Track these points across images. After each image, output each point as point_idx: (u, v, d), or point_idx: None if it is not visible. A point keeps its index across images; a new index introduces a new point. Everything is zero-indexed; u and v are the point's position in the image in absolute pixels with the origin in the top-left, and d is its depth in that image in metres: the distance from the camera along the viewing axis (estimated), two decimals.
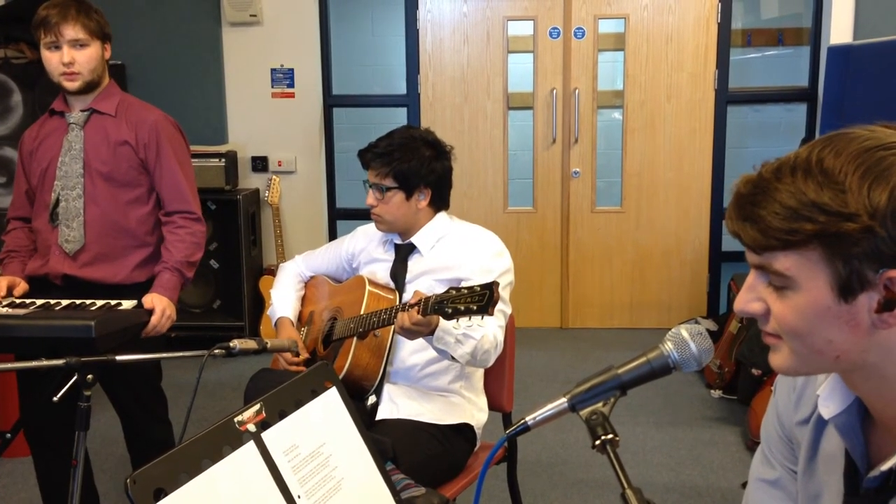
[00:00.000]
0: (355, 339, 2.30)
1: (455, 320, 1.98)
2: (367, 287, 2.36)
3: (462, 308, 1.95)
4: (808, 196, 0.91)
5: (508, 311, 2.35)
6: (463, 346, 2.14)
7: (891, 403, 0.99)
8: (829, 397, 1.06)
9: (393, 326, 2.23)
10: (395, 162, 2.34)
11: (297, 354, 2.44)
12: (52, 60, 2.46)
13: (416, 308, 2.04)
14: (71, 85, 2.47)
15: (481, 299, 1.94)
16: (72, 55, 2.44)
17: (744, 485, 3.31)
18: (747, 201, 0.96)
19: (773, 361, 1.02)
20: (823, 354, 0.97)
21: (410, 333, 2.11)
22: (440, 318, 2.03)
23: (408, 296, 2.37)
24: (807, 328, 0.96)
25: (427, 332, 2.09)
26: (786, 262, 0.94)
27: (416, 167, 2.35)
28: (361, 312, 2.30)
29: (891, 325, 0.92)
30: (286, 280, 2.66)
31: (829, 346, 0.96)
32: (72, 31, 2.42)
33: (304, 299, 2.65)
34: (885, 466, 0.98)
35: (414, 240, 2.43)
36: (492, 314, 1.95)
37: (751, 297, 1.01)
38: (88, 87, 2.51)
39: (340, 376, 2.24)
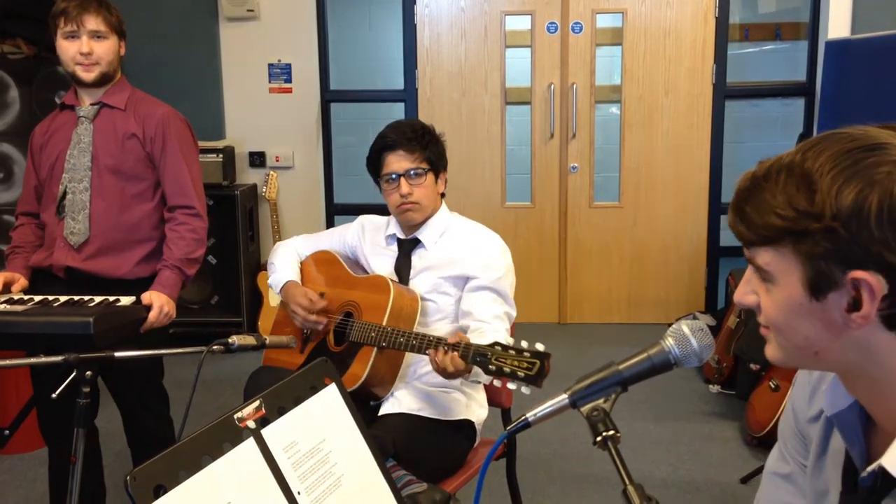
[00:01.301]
0: (375, 349, 2.25)
1: (496, 378, 1.89)
2: (392, 292, 2.29)
3: (507, 370, 1.87)
4: (786, 195, 0.94)
5: (514, 313, 2.35)
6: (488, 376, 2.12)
7: (881, 404, 1.00)
8: (831, 394, 1.07)
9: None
10: (429, 144, 2.40)
11: (294, 348, 2.42)
12: (70, 50, 2.47)
13: (457, 352, 1.98)
14: (87, 75, 2.48)
15: (530, 368, 1.85)
16: (91, 46, 2.46)
17: (742, 480, 3.33)
18: (741, 198, 0.99)
19: (766, 352, 1.06)
20: (802, 350, 1.00)
21: (449, 376, 2.05)
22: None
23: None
24: (784, 322, 0.99)
25: (462, 375, 2.05)
26: (765, 256, 0.98)
27: (442, 150, 2.45)
28: (383, 323, 2.24)
29: (860, 325, 0.93)
30: (285, 254, 2.60)
31: (806, 341, 0.98)
32: (93, 23, 2.45)
33: (311, 276, 2.59)
34: (870, 467, 0.99)
35: (421, 233, 2.43)
36: (541, 387, 1.83)
37: (747, 290, 1.04)
38: (103, 80, 2.52)
39: (357, 384, 2.23)
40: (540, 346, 1.87)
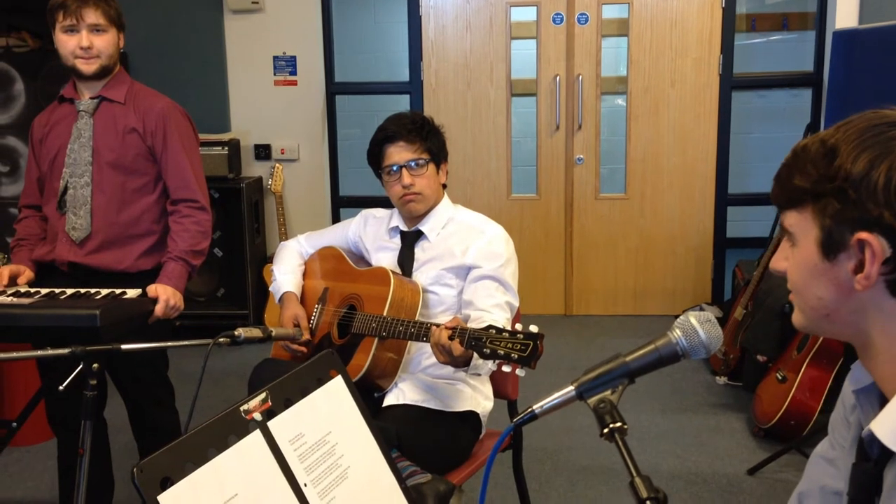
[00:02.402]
0: (376, 339, 2.26)
1: (492, 362, 1.91)
2: (392, 283, 2.30)
3: (501, 352, 1.87)
4: (812, 162, 1.01)
5: (516, 303, 2.34)
6: (488, 365, 2.11)
7: (886, 375, 1.02)
8: (857, 370, 1.11)
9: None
10: (429, 135, 2.40)
11: (300, 340, 2.43)
12: (69, 44, 2.46)
13: (456, 337, 1.97)
14: (87, 68, 2.47)
15: (524, 349, 1.86)
16: (90, 39, 2.45)
17: (749, 471, 3.33)
18: (782, 167, 1.07)
19: (793, 319, 1.12)
20: (816, 311, 1.06)
21: (449, 361, 2.03)
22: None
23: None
24: (801, 283, 1.06)
25: (462, 363, 2.03)
26: (791, 218, 1.05)
27: (443, 141, 2.46)
28: (384, 313, 2.25)
29: (864, 286, 0.98)
30: (289, 258, 2.63)
31: (819, 302, 1.04)
32: (93, 16, 2.44)
33: (315, 272, 2.61)
34: (863, 431, 1.03)
35: (423, 225, 2.43)
36: (534, 368, 1.86)
37: (780, 256, 1.10)
38: (103, 73, 2.51)
39: (359, 375, 2.23)
40: (533, 328, 1.88)
